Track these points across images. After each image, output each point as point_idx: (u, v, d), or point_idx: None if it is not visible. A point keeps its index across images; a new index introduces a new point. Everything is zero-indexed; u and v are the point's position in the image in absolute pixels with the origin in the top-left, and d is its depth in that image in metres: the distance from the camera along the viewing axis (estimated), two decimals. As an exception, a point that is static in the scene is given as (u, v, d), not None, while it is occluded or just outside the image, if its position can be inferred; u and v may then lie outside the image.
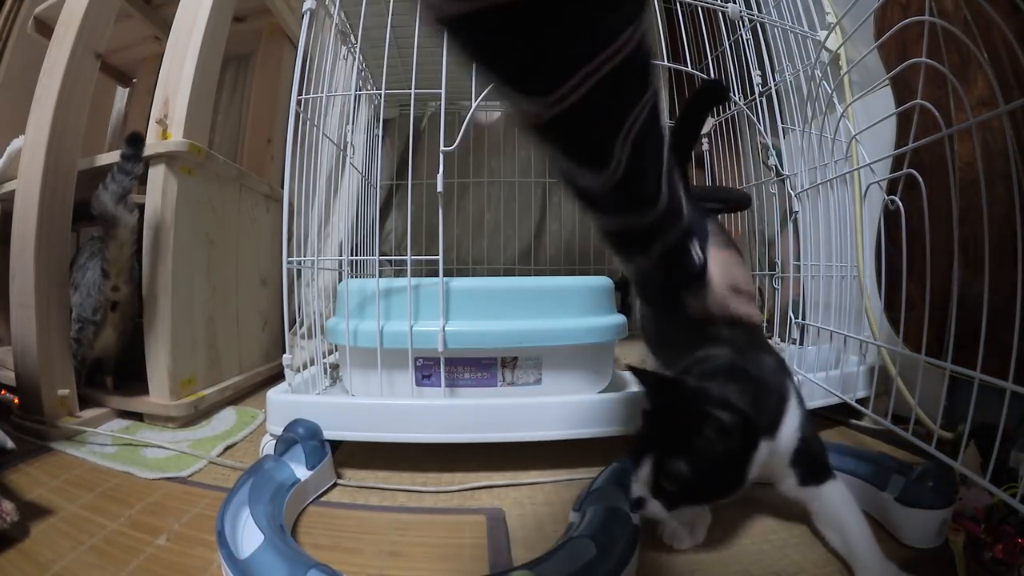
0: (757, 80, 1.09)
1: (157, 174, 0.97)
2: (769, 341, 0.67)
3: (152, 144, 0.97)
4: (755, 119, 1.07)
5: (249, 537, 0.49)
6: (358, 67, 1.06)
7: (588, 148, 0.37)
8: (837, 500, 0.54)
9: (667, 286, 0.57)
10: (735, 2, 1.02)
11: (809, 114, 0.90)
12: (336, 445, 0.75)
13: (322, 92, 0.87)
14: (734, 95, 1.11)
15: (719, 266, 0.57)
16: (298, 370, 0.84)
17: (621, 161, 0.38)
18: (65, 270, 0.96)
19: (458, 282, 0.78)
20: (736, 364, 0.55)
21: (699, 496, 0.51)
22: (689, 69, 0.97)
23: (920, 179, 0.62)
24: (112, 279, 0.97)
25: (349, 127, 0.99)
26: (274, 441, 0.72)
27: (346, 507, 0.67)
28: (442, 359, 0.76)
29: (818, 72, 0.89)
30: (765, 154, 1.11)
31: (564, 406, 0.74)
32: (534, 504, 0.67)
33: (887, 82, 0.82)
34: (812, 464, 0.55)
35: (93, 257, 0.99)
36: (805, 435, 0.54)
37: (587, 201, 0.44)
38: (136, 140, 0.93)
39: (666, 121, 0.45)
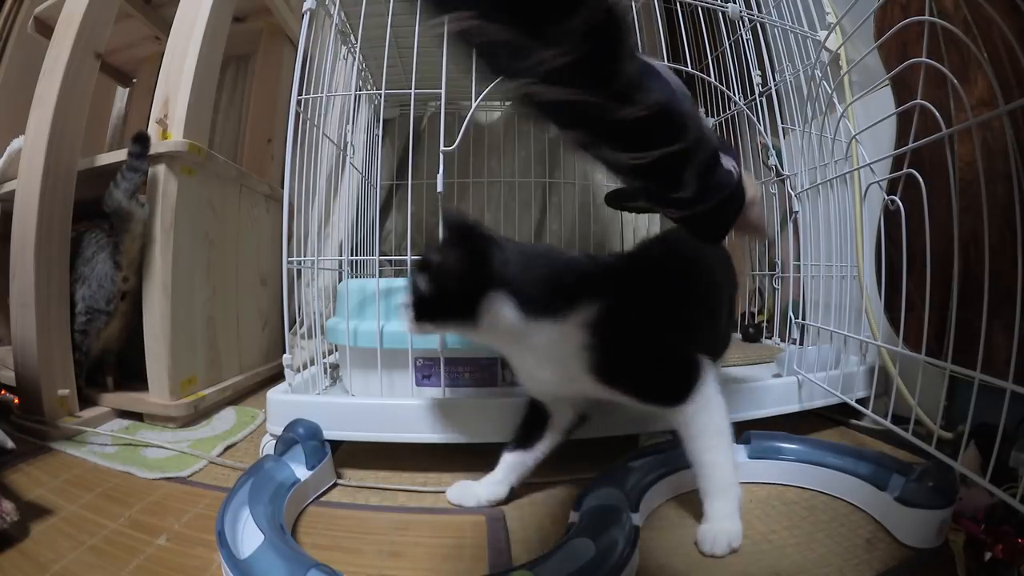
0: (757, 80, 1.09)
1: (157, 174, 0.97)
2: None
3: (152, 144, 0.97)
4: (755, 119, 1.07)
5: (249, 537, 0.49)
6: (358, 67, 1.06)
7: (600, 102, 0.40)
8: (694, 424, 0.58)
9: (714, 209, 0.54)
10: (735, 2, 1.02)
11: (809, 114, 0.90)
12: (336, 445, 0.75)
13: (322, 92, 0.87)
14: (734, 95, 1.11)
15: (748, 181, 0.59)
16: (298, 370, 0.84)
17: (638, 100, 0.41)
18: (65, 269, 0.96)
19: (458, 282, 0.78)
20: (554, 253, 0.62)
21: (429, 310, 0.57)
22: (689, 69, 0.97)
23: (920, 179, 0.62)
24: (124, 270, 0.99)
25: (349, 127, 0.99)
26: (274, 441, 0.72)
27: (346, 507, 0.67)
28: (442, 359, 0.76)
29: (818, 72, 0.89)
30: (765, 154, 1.10)
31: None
32: (534, 504, 0.67)
33: (887, 82, 0.82)
34: (649, 382, 0.59)
35: (101, 250, 1.00)
36: (610, 344, 0.57)
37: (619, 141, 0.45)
38: (143, 139, 0.96)
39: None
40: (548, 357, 0.58)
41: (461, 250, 0.54)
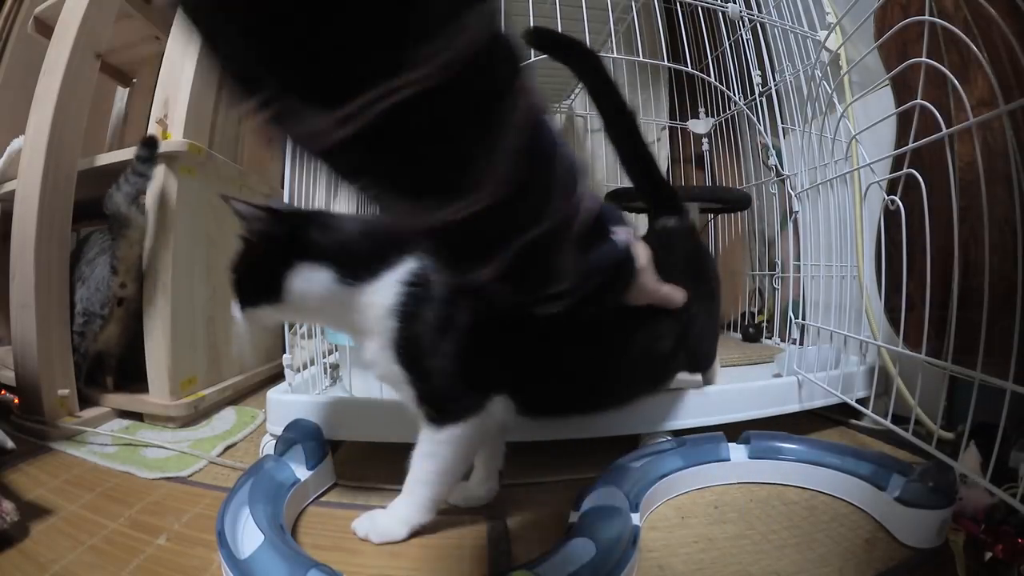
0: (757, 80, 1.09)
1: (157, 174, 0.97)
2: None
3: (153, 144, 0.97)
4: (755, 119, 1.07)
5: (249, 537, 0.49)
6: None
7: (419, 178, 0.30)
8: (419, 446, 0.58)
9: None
10: (735, 2, 1.02)
11: (809, 114, 0.90)
12: (336, 445, 0.75)
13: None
14: (734, 95, 1.11)
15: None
16: (298, 370, 0.84)
17: (482, 191, 0.30)
18: (65, 270, 0.96)
19: (458, 282, 0.78)
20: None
21: (242, 292, 0.58)
22: (689, 69, 0.97)
23: (920, 179, 0.62)
24: (120, 276, 0.98)
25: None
26: (274, 441, 0.72)
27: (346, 507, 0.67)
28: (442, 359, 0.76)
29: (818, 72, 0.89)
30: (765, 154, 1.11)
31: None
32: (534, 504, 0.67)
33: (887, 82, 0.82)
34: (424, 393, 0.56)
35: (103, 253, 0.99)
36: (412, 334, 0.54)
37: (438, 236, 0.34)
38: (151, 143, 0.95)
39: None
40: (368, 330, 0.56)
41: (255, 229, 0.55)
